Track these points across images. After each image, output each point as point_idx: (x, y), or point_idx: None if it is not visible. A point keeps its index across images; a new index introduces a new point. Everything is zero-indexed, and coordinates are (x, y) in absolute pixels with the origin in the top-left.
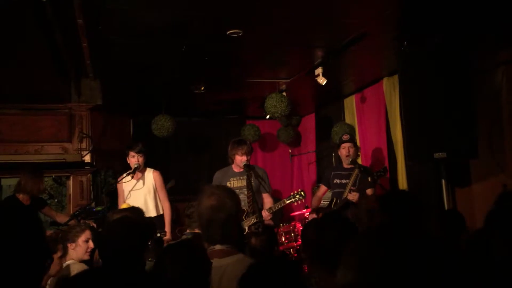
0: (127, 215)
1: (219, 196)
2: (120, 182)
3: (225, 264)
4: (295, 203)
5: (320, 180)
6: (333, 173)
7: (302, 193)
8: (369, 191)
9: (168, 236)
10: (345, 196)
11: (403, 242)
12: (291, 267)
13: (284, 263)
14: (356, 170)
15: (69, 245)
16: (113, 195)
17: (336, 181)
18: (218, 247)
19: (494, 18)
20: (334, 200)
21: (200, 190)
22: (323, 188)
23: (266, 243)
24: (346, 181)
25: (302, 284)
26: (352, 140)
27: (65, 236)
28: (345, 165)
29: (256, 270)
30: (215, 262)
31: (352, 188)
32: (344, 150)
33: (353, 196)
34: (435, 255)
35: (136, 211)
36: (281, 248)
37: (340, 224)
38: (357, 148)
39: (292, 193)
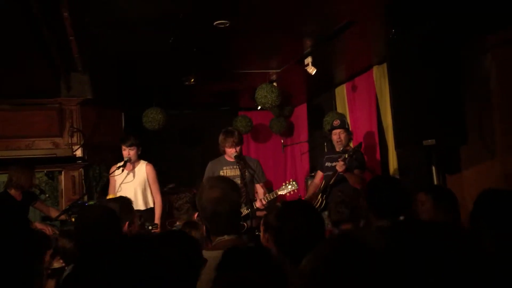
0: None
1: (221, 188)
2: (112, 175)
3: None
4: (288, 194)
5: (314, 168)
6: (326, 156)
7: (294, 183)
8: (356, 172)
9: (158, 229)
10: (334, 178)
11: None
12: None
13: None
14: (346, 154)
15: None
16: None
17: (328, 164)
18: (226, 237)
19: (482, 2)
20: (323, 183)
21: (200, 183)
22: (319, 174)
23: None
24: (336, 163)
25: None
26: (342, 126)
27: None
28: (338, 149)
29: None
30: None
31: (340, 159)
32: (335, 136)
33: (340, 166)
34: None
35: (120, 201)
36: None
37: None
38: (349, 134)
39: (284, 184)
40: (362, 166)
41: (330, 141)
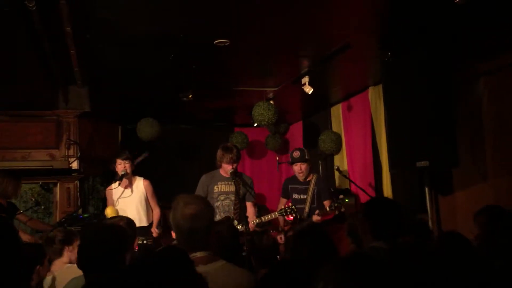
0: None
1: (197, 205)
2: (109, 188)
3: (210, 270)
4: (286, 217)
5: None
6: (290, 186)
7: (293, 207)
8: (326, 203)
9: (154, 234)
10: (306, 212)
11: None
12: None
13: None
14: (312, 184)
15: (66, 247)
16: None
17: (295, 196)
18: (200, 254)
19: (475, 31)
20: (298, 217)
21: (175, 199)
22: (283, 201)
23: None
24: (304, 196)
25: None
26: (302, 158)
27: (64, 238)
28: (301, 180)
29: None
30: (200, 268)
31: (317, 211)
32: (297, 167)
33: (315, 219)
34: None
35: (127, 218)
36: None
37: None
38: (309, 164)
39: (283, 208)
40: (329, 196)
41: (325, 159)
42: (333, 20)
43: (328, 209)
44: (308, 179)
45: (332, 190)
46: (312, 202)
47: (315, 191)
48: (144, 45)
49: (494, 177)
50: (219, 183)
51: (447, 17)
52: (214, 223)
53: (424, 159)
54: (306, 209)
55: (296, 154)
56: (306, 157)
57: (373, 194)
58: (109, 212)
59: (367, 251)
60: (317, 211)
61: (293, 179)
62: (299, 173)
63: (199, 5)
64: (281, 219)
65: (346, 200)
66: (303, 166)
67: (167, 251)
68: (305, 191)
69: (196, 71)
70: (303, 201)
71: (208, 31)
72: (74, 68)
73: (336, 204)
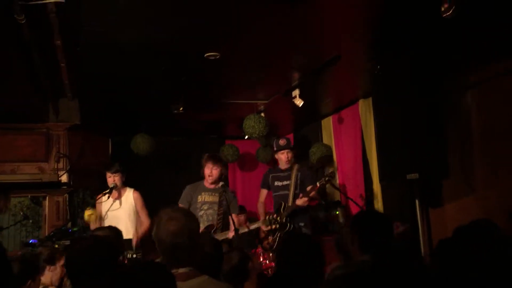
0: (98, 234)
1: (179, 220)
2: (99, 201)
3: (189, 287)
4: (269, 227)
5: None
6: (271, 175)
7: (277, 218)
8: (308, 188)
9: (135, 239)
10: (290, 199)
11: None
12: None
13: None
14: (295, 170)
15: (48, 266)
16: None
17: (277, 183)
18: (181, 270)
19: (464, 42)
20: (282, 205)
21: (157, 214)
22: (264, 192)
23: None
24: (287, 182)
25: None
26: (289, 145)
27: (47, 257)
28: (283, 168)
29: None
30: (179, 285)
31: (301, 194)
32: (284, 156)
33: (301, 201)
34: None
35: (111, 230)
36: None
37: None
38: (294, 152)
39: (267, 218)
40: (314, 182)
41: (316, 171)
42: (325, 32)
43: (318, 184)
44: (289, 167)
45: (323, 202)
46: (295, 188)
47: (299, 176)
48: (135, 57)
49: (484, 189)
50: (203, 193)
51: (436, 30)
52: (198, 237)
53: (414, 171)
54: (291, 196)
55: (283, 142)
56: (291, 145)
57: (363, 206)
58: (87, 213)
59: (356, 265)
60: (300, 194)
61: (274, 169)
62: (286, 161)
63: (190, 17)
64: (261, 209)
65: (337, 212)
66: (290, 154)
67: (147, 267)
68: (287, 178)
69: (187, 83)
70: (286, 187)
71: (198, 44)
72: (64, 81)
73: (326, 178)
